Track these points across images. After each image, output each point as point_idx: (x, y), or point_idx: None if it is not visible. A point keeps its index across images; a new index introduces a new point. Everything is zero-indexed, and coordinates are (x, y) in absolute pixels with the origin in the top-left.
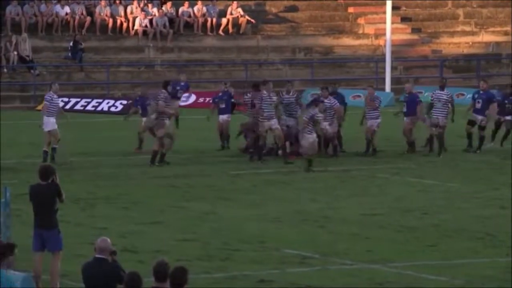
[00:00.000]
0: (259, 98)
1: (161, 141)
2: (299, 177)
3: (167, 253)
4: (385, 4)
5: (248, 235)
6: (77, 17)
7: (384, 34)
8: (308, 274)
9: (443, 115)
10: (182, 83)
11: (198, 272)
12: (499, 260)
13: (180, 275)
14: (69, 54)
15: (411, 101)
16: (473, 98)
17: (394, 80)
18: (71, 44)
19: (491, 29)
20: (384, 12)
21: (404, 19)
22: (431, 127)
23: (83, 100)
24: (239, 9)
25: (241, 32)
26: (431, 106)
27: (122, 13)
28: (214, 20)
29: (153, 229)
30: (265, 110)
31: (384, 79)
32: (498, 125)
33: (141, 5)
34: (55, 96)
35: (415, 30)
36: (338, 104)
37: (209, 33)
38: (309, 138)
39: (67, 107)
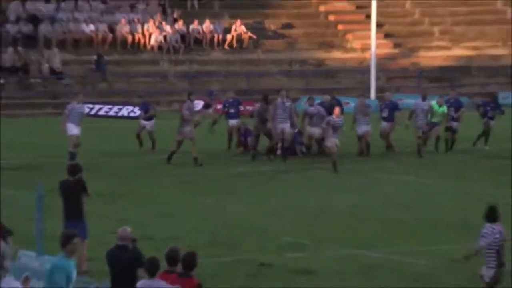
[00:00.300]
0: (274, 104)
1: (178, 143)
2: (297, 175)
3: (179, 241)
4: (370, 22)
5: (250, 225)
6: (100, 34)
7: (370, 49)
8: (303, 259)
9: (425, 122)
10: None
11: (207, 256)
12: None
13: (190, 259)
14: (94, 66)
15: (391, 108)
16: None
17: (378, 89)
18: (95, 57)
19: (463, 44)
20: (369, 30)
21: (387, 36)
22: (418, 130)
23: (106, 107)
24: (242, 27)
25: (244, 46)
26: (412, 113)
27: (140, 30)
28: (220, 36)
29: (167, 220)
30: (279, 115)
31: (369, 88)
32: (487, 127)
33: (157, 23)
34: (77, 106)
35: (396, 45)
36: (323, 111)
37: (216, 47)
38: (329, 142)
39: (92, 112)
